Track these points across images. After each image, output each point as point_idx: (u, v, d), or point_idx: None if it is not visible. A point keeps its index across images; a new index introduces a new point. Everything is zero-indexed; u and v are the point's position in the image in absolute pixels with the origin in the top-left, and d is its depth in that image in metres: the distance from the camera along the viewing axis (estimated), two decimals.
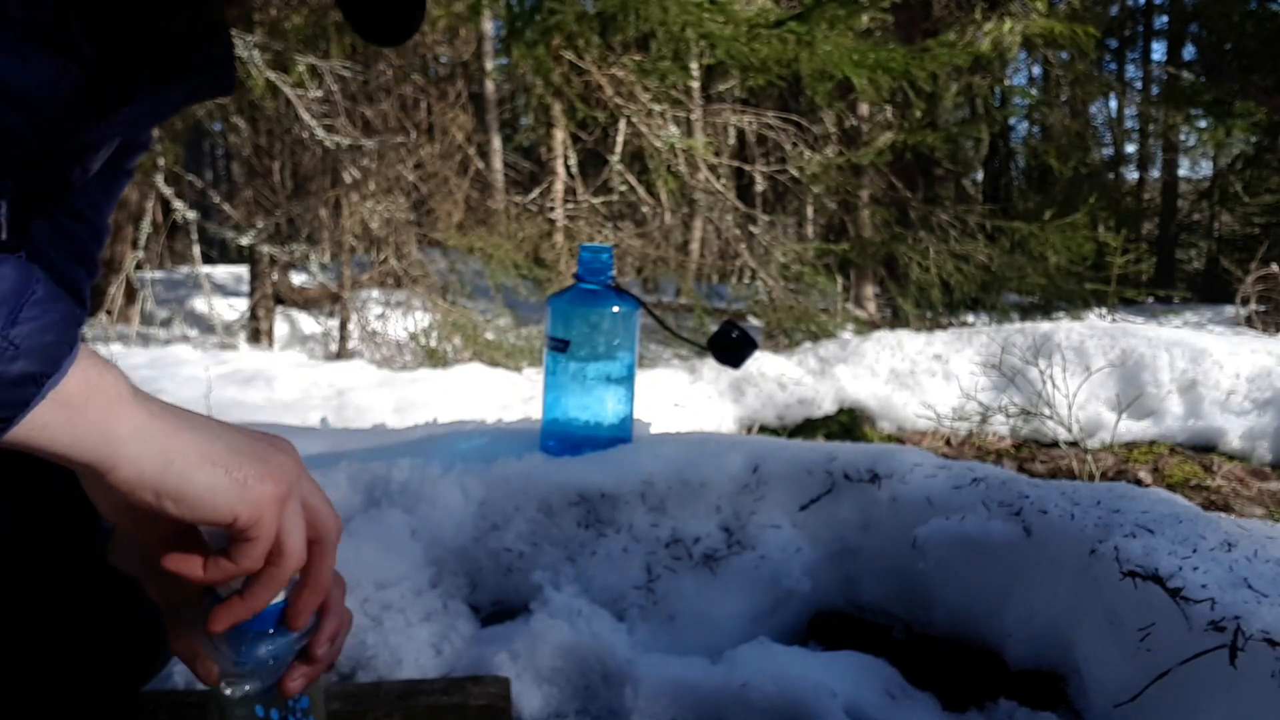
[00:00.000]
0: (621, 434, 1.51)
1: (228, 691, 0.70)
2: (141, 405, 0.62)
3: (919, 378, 2.99)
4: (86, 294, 1.00)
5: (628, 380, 1.51)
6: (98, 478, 0.61)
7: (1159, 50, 16.36)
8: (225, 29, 0.85)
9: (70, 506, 0.97)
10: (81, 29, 0.73)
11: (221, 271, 10.13)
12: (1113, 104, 13.13)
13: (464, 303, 5.71)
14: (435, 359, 4.96)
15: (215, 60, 0.84)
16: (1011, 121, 11.70)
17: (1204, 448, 2.58)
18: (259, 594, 0.68)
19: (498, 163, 8.00)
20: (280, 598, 0.69)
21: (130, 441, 0.60)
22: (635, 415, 1.55)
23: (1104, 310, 5.91)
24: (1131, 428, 2.66)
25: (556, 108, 5.46)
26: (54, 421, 0.58)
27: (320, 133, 5.32)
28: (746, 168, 6.84)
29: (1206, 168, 13.37)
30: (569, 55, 5.08)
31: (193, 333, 6.91)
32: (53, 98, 0.75)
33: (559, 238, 5.68)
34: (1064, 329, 3.04)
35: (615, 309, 1.48)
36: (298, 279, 8.05)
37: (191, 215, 5.54)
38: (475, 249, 5.63)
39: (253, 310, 6.89)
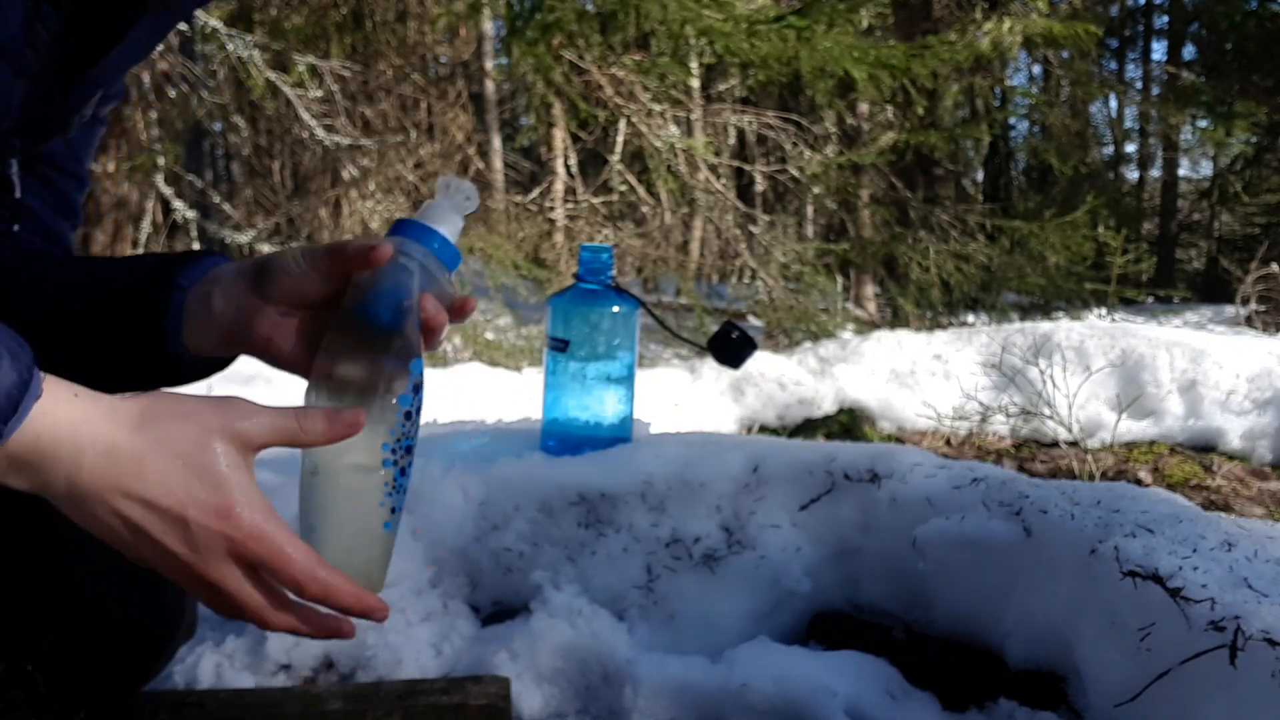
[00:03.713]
0: (621, 434, 1.51)
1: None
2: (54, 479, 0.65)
3: (919, 377, 2.99)
4: (71, 244, 1.01)
5: (628, 380, 1.51)
6: None
7: (1159, 50, 16.35)
8: None
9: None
10: None
11: None
12: (1113, 104, 13.13)
13: None
14: (435, 359, 4.96)
15: None
16: (1011, 121, 11.70)
17: (1204, 448, 2.58)
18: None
19: (498, 163, 7.99)
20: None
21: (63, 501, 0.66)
22: (635, 415, 1.55)
23: (1104, 310, 5.90)
24: (1131, 428, 2.66)
25: (556, 107, 5.46)
26: None
27: (320, 133, 5.32)
28: (746, 168, 6.84)
29: (1206, 168, 13.38)
30: (569, 54, 5.08)
31: None
32: (36, 47, 0.76)
33: (559, 238, 5.68)
34: (1064, 329, 3.04)
35: (615, 309, 1.48)
36: None
37: (191, 215, 5.54)
38: (475, 249, 5.63)
39: None
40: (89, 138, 0.98)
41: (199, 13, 4.90)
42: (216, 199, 7.00)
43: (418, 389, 0.74)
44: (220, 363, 0.86)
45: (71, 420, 0.63)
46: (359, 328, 0.73)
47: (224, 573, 0.66)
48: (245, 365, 0.90)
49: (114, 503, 0.64)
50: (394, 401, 0.72)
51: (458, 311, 0.78)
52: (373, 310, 0.73)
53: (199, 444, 0.66)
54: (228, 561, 0.66)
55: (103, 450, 0.63)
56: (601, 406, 1.49)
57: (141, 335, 0.81)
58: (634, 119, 5.28)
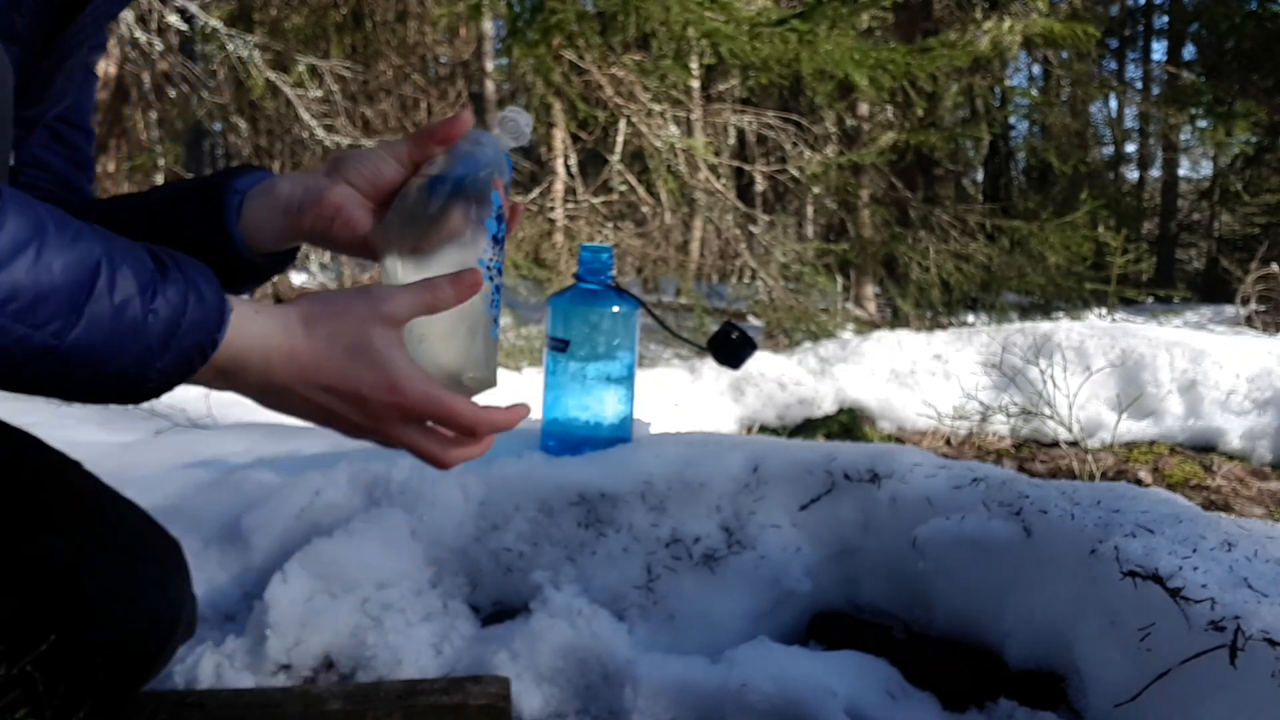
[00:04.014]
0: (621, 434, 1.51)
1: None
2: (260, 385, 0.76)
3: (919, 377, 2.99)
4: (90, 196, 1.03)
5: (628, 380, 1.51)
6: None
7: (1159, 50, 16.37)
8: None
9: (73, 501, 0.97)
10: None
11: None
12: (1113, 104, 13.13)
13: None
14: None
15: None
16: (1011, 121, 11.70)
17: (1204, 448, 2.58)
18: None
19: None
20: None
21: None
22: (635, 415, 1.55)
23: (1104, 310, 5.91)
24: (1131, 428, 2.66)
25: (556, 107, 5.46)
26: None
27: (320, 133, 5.32)
28: (746, 168, 6.83)
29: (1206, 168, 13.38)
30: (569, 55, 5.08)
31: None
32: (23, 12, 0.77)
33: (559, 238, 5.68)
34: (1064, 329, 3.04)
35: (615, 309, 1.48)
36: (298, 279, 8.04)
37: None
38: None
39: None
40: (86, 90, 1.01)
41: (199, 12, 4.90)
42: None
43: (500, 219, 0.85)
44: (280, 261, 0.92)
45: (259, 333, 0.74)
46: (440, 174, 0.83)
47: (402, 432, 0.79)
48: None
49: (303, 392, 0.76)
50: (484, 226, 0.83)
51: (511, 214, 0.87)
52: (451, 165, 0.83)
53: (359, 333, 0.76)
54: (403, 424, 0.78)
55: (286, 354, 0.75)
56: (601, 406, 1.49)
57: (203, 238, 0.86)
58: (634, 119, 5.28)
